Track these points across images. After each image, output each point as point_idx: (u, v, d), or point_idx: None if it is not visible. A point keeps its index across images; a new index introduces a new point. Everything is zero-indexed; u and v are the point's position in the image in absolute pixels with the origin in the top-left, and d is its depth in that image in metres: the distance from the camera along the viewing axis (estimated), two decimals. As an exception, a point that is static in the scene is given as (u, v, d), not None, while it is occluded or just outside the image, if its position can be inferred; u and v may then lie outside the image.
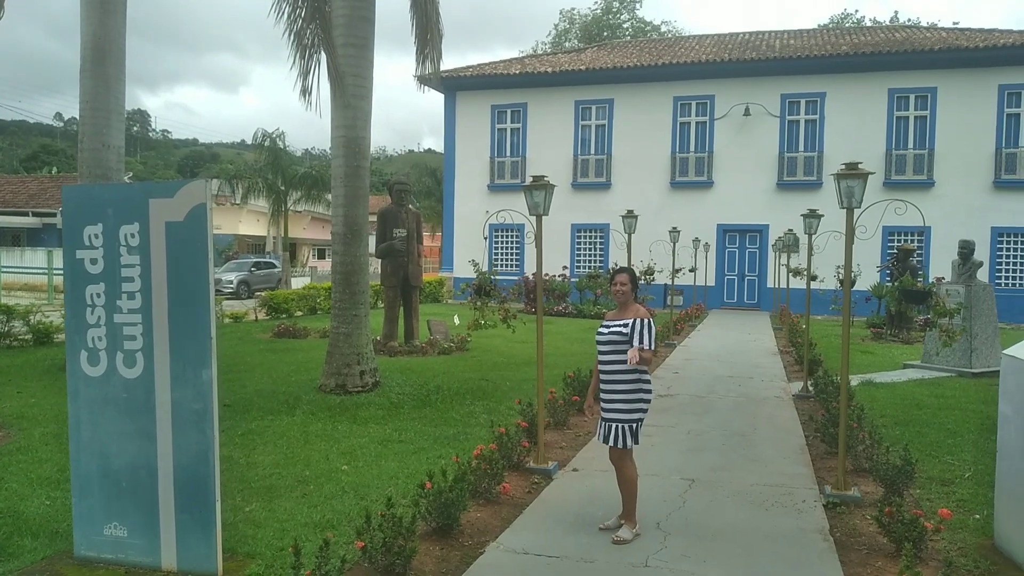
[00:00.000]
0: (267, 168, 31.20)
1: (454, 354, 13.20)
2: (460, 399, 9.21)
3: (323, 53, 9.56)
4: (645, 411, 5.05)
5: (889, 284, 20.04)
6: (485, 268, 7.32)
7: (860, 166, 5.78)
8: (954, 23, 26.98)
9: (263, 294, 21.85)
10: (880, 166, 24.26)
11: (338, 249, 9.75)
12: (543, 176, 6.36)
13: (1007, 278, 23.43)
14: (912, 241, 21.93)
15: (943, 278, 20.45)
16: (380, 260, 14.00)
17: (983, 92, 23.55)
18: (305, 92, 9.68)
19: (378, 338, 13.62)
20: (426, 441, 7.28)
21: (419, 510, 4.78)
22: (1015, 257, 23.60)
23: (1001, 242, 23.51)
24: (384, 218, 13.78)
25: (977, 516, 5.31)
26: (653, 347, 4.93)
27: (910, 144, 24.25)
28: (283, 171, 30.86)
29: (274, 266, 34.16)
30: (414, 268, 13.65)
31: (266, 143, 29.53)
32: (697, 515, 5.42)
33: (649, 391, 5.07)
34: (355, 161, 9.64)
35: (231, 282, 30.86)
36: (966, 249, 12.79)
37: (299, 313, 20.59)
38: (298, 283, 31.18)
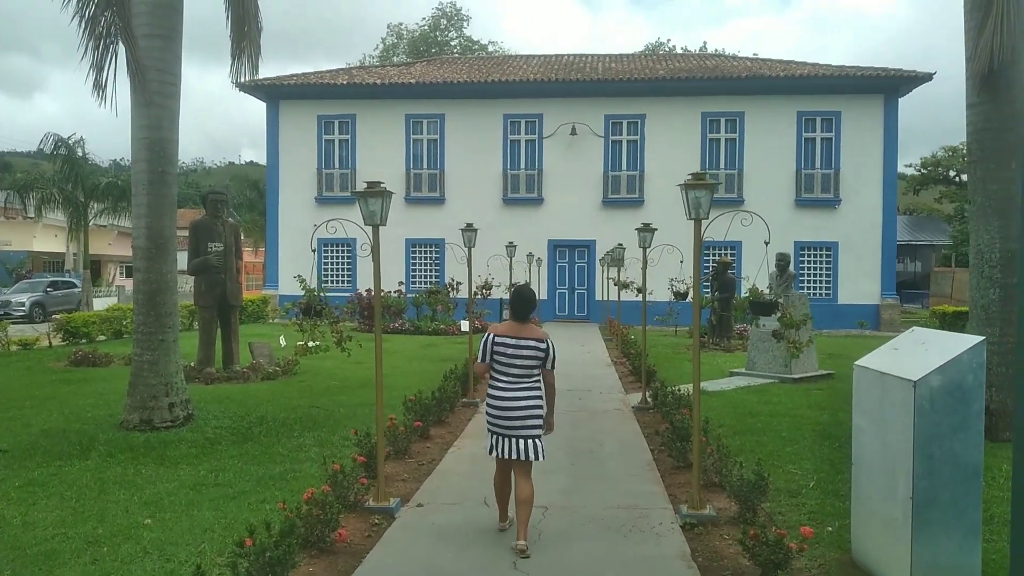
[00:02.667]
0: (64, 178, 27.98)
1: (280, 379, 12.16)
2: (287, 431, 8.32)
3: (122, 44, 8.40)
4: None
5: (709, 296, 21.12)
6: (314, 285, 6.57)
7: (706, 176, 5.67)
8: (754, 54, 29.10)
9: (59, 317, 19.38)
10: (697, 184, 25.57)
11: (140, 265, 8.57)
12: (379, 182, 5.76)
13: (808, 288, 25.43)
14: (727, 255, 23.25)
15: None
16: (193, 278, 12.67)
17: (784, 117, 25.55)
18: (99, 88, 8.47)
19: (193, 364, 12.30)
20: (247, 483, 6.40)
21: (238, 574, 4.01)
22: (814, 269, 25.71)
23: (803, 255, 25.51)
24: (197, 231, 12.49)
25: (830, 528, 5.29)
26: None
27: (722, 164, 25.81)
28: (83, 181, 27.76)
29: (74, 285, 30.72)
30: (232, 286, 12.46)
31: (60, 151, 26.45)
32: (555, 549, 5.01)
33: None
34: (160, 166, 8.53)
35: (23, 304, 27.42)
36: (783, 261, 13.55)
37: (102, 337, 18.43)
38: (103, 304, 28.22)
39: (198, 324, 12.78)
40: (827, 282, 25.79)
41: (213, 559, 4.72)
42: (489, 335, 5.15)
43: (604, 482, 6.61)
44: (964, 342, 4.04)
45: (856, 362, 4.66)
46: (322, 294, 6.43)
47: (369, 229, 5.95)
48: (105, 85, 8.47)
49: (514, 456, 5.04)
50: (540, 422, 5.11)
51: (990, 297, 7.74)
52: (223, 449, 7.52)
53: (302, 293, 6.97)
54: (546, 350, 5.06)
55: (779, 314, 6.50)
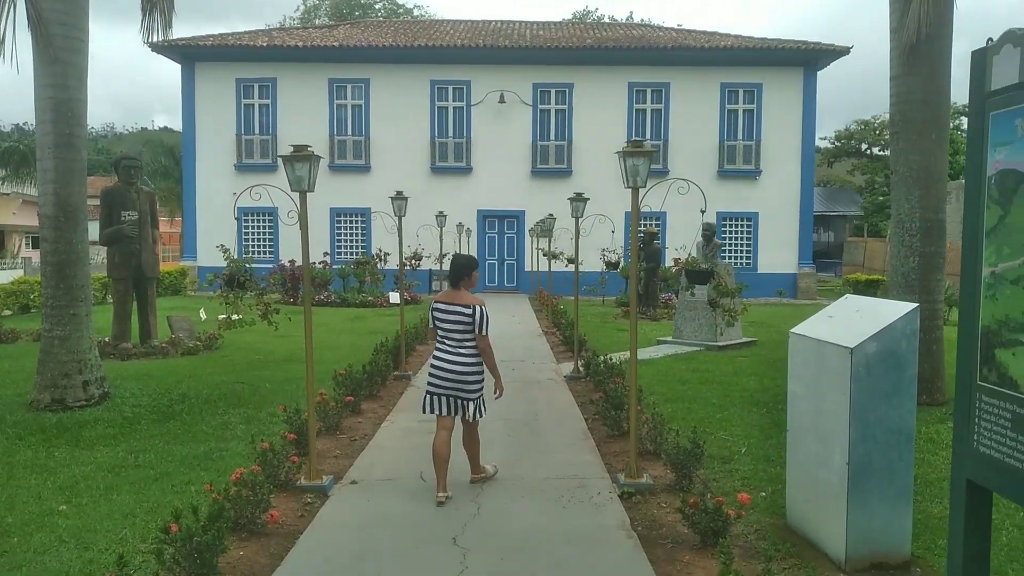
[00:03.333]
0: (-42, 142, 26.10)
1: (201, 354, 11.68)
2: (211, 408, 7.98)
3: (19, -6, 7.74)
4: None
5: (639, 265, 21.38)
6: (237, 255, 6.26)
7: (644, 144, 5.61)
8: (679, 24, 29.35)
9: (-44, 291, 18.15)
10: (624, 154, 25.77)
11: (48, 235, 8.01)
12: (306, 146, 5.48)
13: (729, 258, 26.03)
14: (653, 225, 23.55)
15: (679, 259, 22.31)
16: (106, 248, 12.01)
17: (708, 89, 25.89)
18: (-5, 42, 7.79)
19: (107, 340, 11.70)
20: (171, 464, 6.10)
21: (163, 562, 3.78)
22: (735, 239, 26.33)
23: (725, 225, 26.06)
24: (110, 199, 11.79)
25: (763, 494, 5.39)
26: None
27: (648, 135, 25.99)
28: (-21, 146, 26.01)
29: (-29, 258, 28.89)
30: (148, 256, 11.85)
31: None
32: (495, 523, 4.94)
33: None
34: (67, 128, 7.96)
35: (-86, 279, 25.60)
36: (709, 231, 13.74)
37: (7, 312, 17.36)
38: (7, 277, 26.62)
39: (112, 297, 12.12)
40: (747, 252, 26.47)
41: (136, 546, 4.47)
42: (433, 302, 5.56)
43: (541, 453, 6.58)
44: (898, 309, 4.12)
45: (792, 330, 4.71)
46: (246, 264, 6.11)
47: (296, 196, 5.67)
48: (2, 39, 7.79)
49: (447, 413, 5.44)
50: (475, 386, 5.41)
51: (910, 265, 8.00)
52: (143, 428, 7.15)
53: (224, 264, 6.64)
54: (471, 315, 5.30)
55: (714, 283, 6.53)
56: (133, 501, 5.23)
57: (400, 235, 10.70)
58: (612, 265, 18.68)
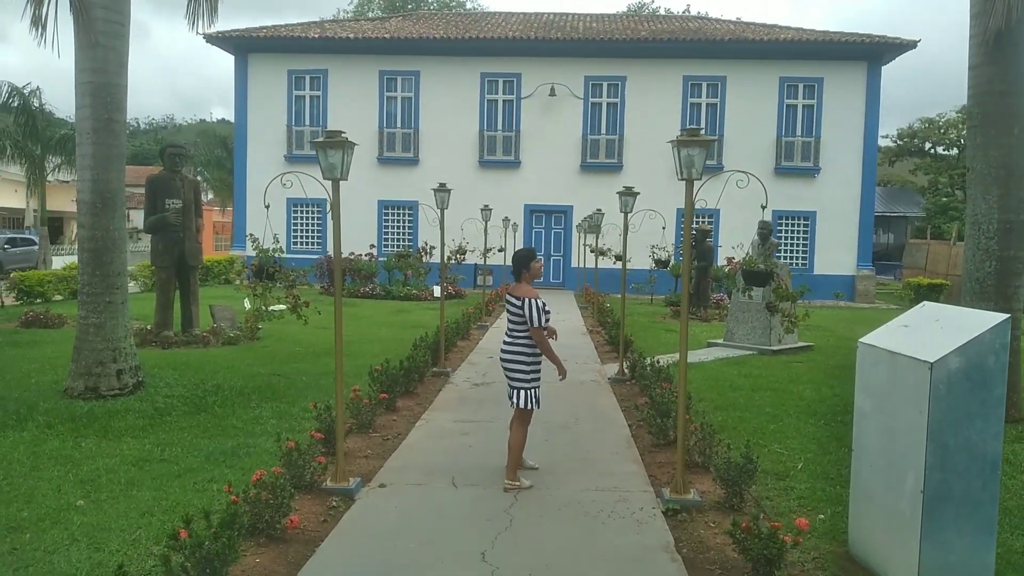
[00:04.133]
0: (18, 130, 26.69)
1: (242, 344, 11.60)
2: (245, 401, 7.81)
3: (62, -24, 7.66)
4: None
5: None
6: (271, 244, 6.02)
7: (700, 133, 5.20)
8: (737, 18, 28.53)
9: (14, 275, 18.54)
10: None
11: (85, 221, 7.94)
12: (340, 132, 5.21)
13: (785, 258, 25.18)
14: (705, 223, 22.88)
15: (733, 259, 21.63)
16: (151, 237, 12.02)
17: (766, 83, 25.04)
18: (38, 24, 7.73)
19: (149, 327, 11.72)
20: (196, 458, 5.90)
21: (171, 570, 3.54)
22: (792, 238, 25.47)
23: (781, 224, 25.23)
24: (154, 187, 11.79)
25: (822, 516, 4.94)
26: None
27: (703, 130, 25.26)
28: (39, 134, 26.54)
29: (33, 243, 29.59)
30: (191, 245, 11.81)
31: (14, 102, 25.22)
32: (528, 538, 4.60)
33: None
34: (106, 113, 7.85)
35: (-23, 261, 26.42)
36: (765, 230, 13.17)
37: (58, 297, 17.66)
38: (62, 263, 27.24)
39: (155, 285, 12.12)
40: (804, 252, 25.58)
41: (148, 548, 4.25)
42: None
43: (581, 461, 6.21)
44: (986, 320, 3.64)
45: (861, 339, 4.26)
46: (276, 254, 5.87)
47: (330, 185, 5.40)
48: (45, 22, 7.73)
49: (509, 398, 5.62)
50: (521, 374, 5.53)
51: (985, 270, 7.39)
52: (173, 420, 7.00)
53: (254, 253, 6.41)
54: (521, 306, 5.47)
55: (773, 285, 6.08)
56: (152, 498, 5.03)
57: (442, 228, 10.42)
58: (662, 263, 18.14)
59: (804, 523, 4.12)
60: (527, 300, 5.46)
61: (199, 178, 39.45)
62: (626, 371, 9.94)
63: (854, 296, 25.02)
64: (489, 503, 5.16)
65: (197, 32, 9.66)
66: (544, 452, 6.41)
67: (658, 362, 9.10)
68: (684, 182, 5.27)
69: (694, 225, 23.87)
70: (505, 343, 5.66)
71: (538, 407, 5.62)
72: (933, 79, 70.13)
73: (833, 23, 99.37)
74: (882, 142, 47.56)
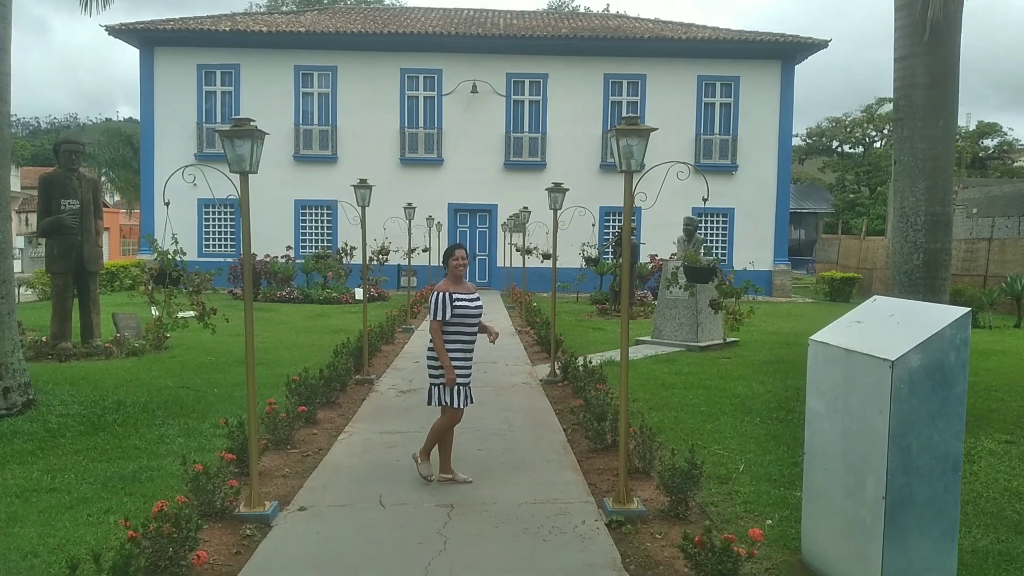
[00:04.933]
0: None
1: (148, 355, 10.80)
2: (149, 418, 7.14)
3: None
4: None
5: (611, 261, 20.79)
6: (171, 246, 5.44)
7: (639, 123, 4.92)
8: (656, 17, 28.74)
9: None
10: (597, 149, 25.23)
11: (-36, 224, 7.13)
12: (249, 120, 4.71)
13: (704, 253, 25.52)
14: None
15: (656, 255, 21.76)
16: (45, 241, 11.08)
17: (685, 81, 25.33)
18: (-100, 4, 6.90)
19: (45, 339, 10.79)
20: (92, 486, 5.28)
21: (49, 629, 3.01)
22: (711, 235, 25.83)
23: (700, 221, 25.46)
24: (48, 186, 10.85)
25: (770, 521, 4.73)
26: None
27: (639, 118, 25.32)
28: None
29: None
30: (91, 249, 10.92)
31: None
32: (465, 561, 4.23)
33: None
34: (-15, 104, 7.08)
35: None
36: (691, 226, 13.17)
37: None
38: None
39: (51, 293, 11.18)
40: (723, 248, 25.97)
41: (27, 598, 3.68)
42: None
43: (517, 470, 5.87)
44: (945, 315, 3.47)
45: (812, 336, 4.06)
46: (178, 258, 5.32)
47: (238, 179, 4.89)
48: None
49: (460, 404, 5.51)
50: (431, 370, 5.51)
51: (914, 262, 7.42)
52: (67, 442, 6.31)
53: (163, 260, 5.82)
54: (429, 300, 5.55)
55: (717, 281, 5.88)
56: (37, 536, 4.42)
57: (363, 226, 9.92)
58: (592, 261, 18.03)
59: (758, 534, 3.88)
60: (433, 293, 5.44)
61: (103, 179, 37.43)
62: (558, 372, 9.68)
63: (771, 291, 25.56)
64: (421, 523, 4.76)
65: (90, 16, 8.91)
66: (478, 461, 6.05)
67: (590, 362, 8.86)
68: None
69: (616, 224, 24.03)
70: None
71: (452, 405, 5.43)
72: (839, 79, 73.09)
73: (747, 24, 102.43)
74: (792, 141, 49.18)
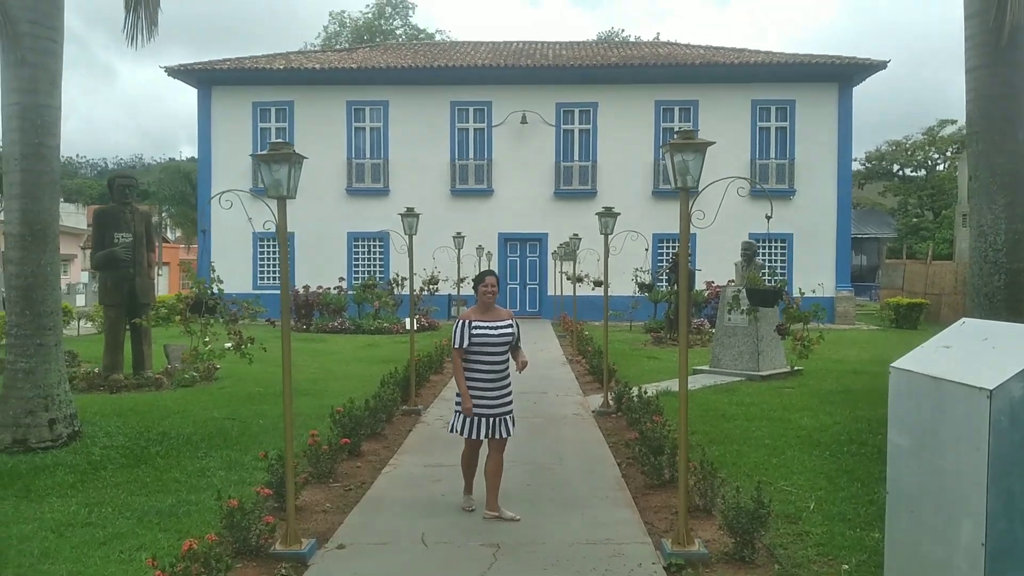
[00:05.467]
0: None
1: (198, 385, 10.79)
2: (192, 450, 7.03)
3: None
4: None
5: (665, 288, 20.29)
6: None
7: (695, 136, 4.63)
8: (707, 44, 28.43)
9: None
10: (649, 176, 24.89)
11: (14, 256, 7.17)
12: (286, 142, 4.58)
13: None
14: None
15: (712, 282, 21.20)
16: (99, 274, 11.25)
17: (739, 106, 24.87)
18: (-43, 41, 7.05)
19: (98, 371, 10.89)
20: (128, 520, 5.14)
21: None
22: (769, 261, 25.11)
23: (758, 247, 24.85)
24: (102, 221, 11.04)
25: (846, 566, 4.30)
26: None
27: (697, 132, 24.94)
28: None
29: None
30: (143, 281, 11.03)
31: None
32: (510, 608, 3.91)
33: None
34: (36, 137, 7.15)
35: None
36: (749, 251, 12.72)
37: None
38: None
39: (104, 325, 11.31)
40: (782, 274, 25.18)
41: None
42: None
43: (568, 508, 5.53)
44: (1049, 336, 3.07)
45: (894, 363, 3.67)
46: (215, 287, 5.19)
47: (275, 205, 4.74)
48: (-34, 39, 7.04)
49: (482, 435, 5.37)
50: (510, 399, 5.44)
51: (994, 284, 6.90)
52: (107, 475, 6.21)
53: (228, 291, 5.71)
54: (516, 329, 5.49)
55: (784, 305, 5.51)
56: (67, 574, 4.27)
57: (411, 254, 9.77)
58: (646, 287, 17.60)
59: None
60: (458, 320, 5.39)
61: (164, 215, 38.57)
62: (611, 403, 9.31)
63: (834, 318, 24.61)
64: (464, 565, 4.46)
65: (135, 49, 8.93)
66: (527, 498, 5.73)
67: (645, 392, 8.48)
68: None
69: (669, 250, 23.57)
70: None
71: (463, 435, 5.33)
72: (897, 102, 71.38)
73: (802, 47, 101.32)
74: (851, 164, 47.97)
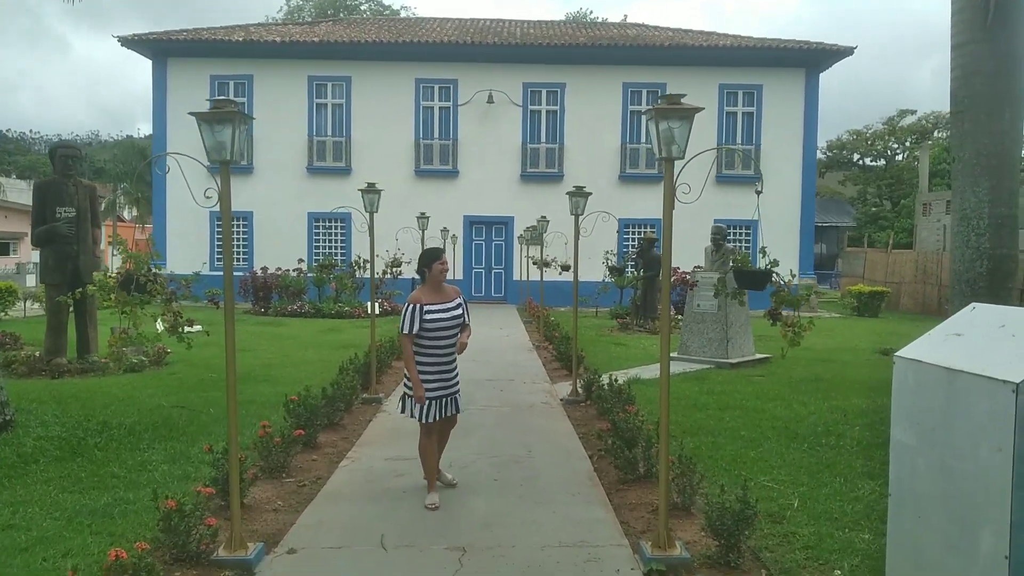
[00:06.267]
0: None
1: (148, 371, 10.22)
2: (134, 441, 6.52)
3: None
4: None
5: (632, 273, 20.05)
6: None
7: (681, 101, 4.27)
8: (677, 27, 28.14)
9: None
10: (616, 159, 24.60)
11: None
12: (231, 101, 4.12)
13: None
14: (651, 231, 22.26)
15: (678, 268, 21.02)
16: (40, 251, 10.58)
17: (706, 90, 24.59)
18: None
19: (39, 354, 10.26)
20: (56, 521, 4.66)
21: None
22: (734, 247, 25.04)
23: (731, 233, 24.79)
24: (44, 194, 10.37)
25: (838, 572, 4.02)
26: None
27: (643, 139, 24.75)
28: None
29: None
30: (87, 260, 10.39)
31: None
32: (478, 621, 3.55)
33: None
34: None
35: None
36: (719, 235, 12.47)
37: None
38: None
39: (45, 306, 10.66)
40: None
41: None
42: None
43: (537, 505, 5.18)
44: (1079, 327, 2.77)
45: (899, 352, 3.36)
46: (153, 260, 4.70)
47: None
48: None
49: (432, 418, 5.18)
50: (406, 381, 5.21)
51: (976, 270, 6.70)
52: (38, 470, 5.69)
53: (153, 265, 5.21)
54: (464, 311, 5.25)
55: (774, 288, 5.20)
56: (-21, 585, 3.80)
57: (371, 234, 9.30)
58: (616, 270, 17.31)
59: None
60: (407, 304, 5.08)
61: (118, 193, 37.27)
62: (580, 391, 8.99)
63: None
64: (427, 572, 4.09)
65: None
66: (494, 494, 5.37)
67: (616, 380, 8.17)
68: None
69: (636, 235, 23.32)
70: None
71: (420, 419, 5.11)
72: (858, 92, 72.16)
73: (771, 31, 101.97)
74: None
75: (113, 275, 5.01)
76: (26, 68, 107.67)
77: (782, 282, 6.14)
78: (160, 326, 5.07)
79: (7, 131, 54.39)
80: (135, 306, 4.71)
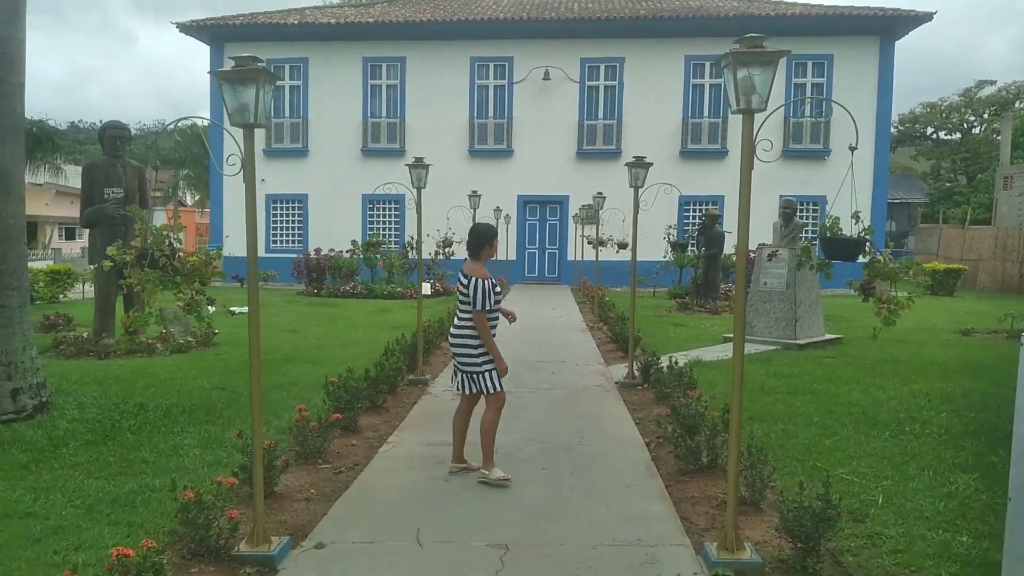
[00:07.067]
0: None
1: (194, 351, 10.12)
2: (168, 424, 6.30)
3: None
4: None
5: (694, 252, 19.31)
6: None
7: (764, 44, 3.72)
8: (740, -4, 26.97)
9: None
10: (677, 135, 23.78)
11: (-30, 207, 6.43)
12: (255, 58, 3.77)
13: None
14: (713, 207, 21.43)
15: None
16: (88, 232, 10.56)
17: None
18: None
19: (87, 335, 10.25)
20: (77, 510, 4.41)
21: None
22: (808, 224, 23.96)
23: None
24: (92, 175, 10.32)
25: (937, 583, 3.47)
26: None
27: (706, 112, 23.86)
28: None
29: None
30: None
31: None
32: (518, 634, 3.13)
33: None
34: (-5, 73, 6.37)
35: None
36: (789, 209, 11.75)
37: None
38: (38, 267, 25.72)
39: (94, 287, 10.65)
40: (814, 239, 24.05)
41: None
42: None
43: (590, 498, 4.74)
44: None
45: None
46: (171, 233, 4.38)
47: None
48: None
49: (456, 389, 5.21)
50: (471, 359, 5.05)
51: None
52: (69, 453, 5.49)
53: (175, 241, 4.92)
54: (467, 285, 5.02)
55: (868, 259, 4.61)
56: (-13, 578, 3.56)
57: (419, 209, 8.93)
58: (679, 246, 16.63)
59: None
60: (475, 280, 4.98)
61: (180, 179, 37.98)
62: (636, 374, 8.49)
63: (870, 285, 23.51)
64: (466, 566, 3.69)
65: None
66: (543, 487, 4.94)
67: (676, 362, 7.65)
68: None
69: (697, 211, 22.50)
70: (455, 325, 5.16)
71: (499, 389, 5.08)
72: (931, 63, 68.77)
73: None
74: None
75: (129, 251, 4.71)
76: (95, 63, 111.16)
77: (877, 252, 5.49)
78: (179, 303, 4.77)
79: (79, 122, 56.56)
80: (152, 284, 4.40)
